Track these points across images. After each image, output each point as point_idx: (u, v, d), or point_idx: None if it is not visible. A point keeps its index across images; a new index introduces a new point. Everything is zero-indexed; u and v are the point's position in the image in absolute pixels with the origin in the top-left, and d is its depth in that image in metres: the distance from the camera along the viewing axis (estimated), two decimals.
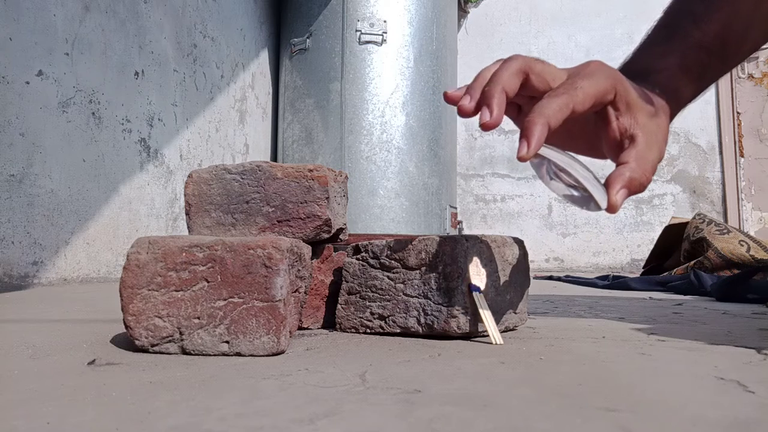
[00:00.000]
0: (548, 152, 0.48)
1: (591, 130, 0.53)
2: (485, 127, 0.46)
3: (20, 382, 0.45)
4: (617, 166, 0.49)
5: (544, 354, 0.57)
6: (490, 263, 0.68)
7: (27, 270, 1.53)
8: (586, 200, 0.49)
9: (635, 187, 0.48)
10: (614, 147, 0.51)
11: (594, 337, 0.69)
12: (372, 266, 0.71)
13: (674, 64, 0.56)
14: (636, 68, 0.56)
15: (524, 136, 0.45)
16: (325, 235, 0.71)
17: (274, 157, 3.12)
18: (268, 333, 0.56)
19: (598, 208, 0.48)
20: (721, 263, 1.71)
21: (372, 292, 0.70)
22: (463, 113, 0.49)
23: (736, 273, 1.52)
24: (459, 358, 0.55)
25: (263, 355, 0.56)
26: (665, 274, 1.87)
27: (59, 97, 1.65)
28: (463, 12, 3.64)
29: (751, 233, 3.30)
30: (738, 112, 3.59)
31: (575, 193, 0.49)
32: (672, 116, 0.55)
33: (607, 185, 0.48)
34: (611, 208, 0.47)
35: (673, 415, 0.36)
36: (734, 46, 0.58)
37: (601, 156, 0.55)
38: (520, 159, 0.45)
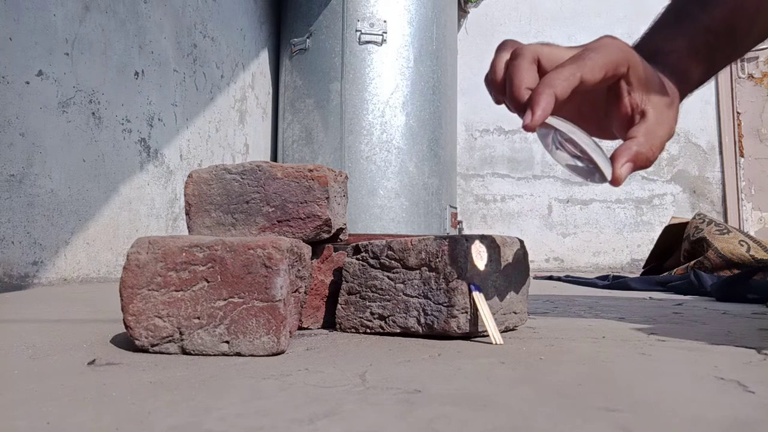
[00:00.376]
0: (555, 121, 0.48)
1: (601, 110, 0.53)
2: (527, 128, 0.46)
3: (20, 382, 0.45)
4: (627, 139, 0.49)
5: (544, 354, 0.57)
6: (490, 263, 0.68)
7: (27, 270, 1.53)
8: (590, 171, 0.49)
9: (641, 162, 0.48)
10: (625, 123, 0.51)
11: (594, 337, 0.69)
12: (372, 266, 0.71)
13: (682, 46, 0.56)
14: (645, 51, 0.55)
15: (530, 105, 0.45)
16: (325, 235, 0.71)
17: (274, 157, 3.12)
18: (268, 333, 0.56)
19: (603, 179, 0.47)
20: (721, 263, 1.71)
21: (372, 292, 0.70)
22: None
23: (736, 273, 1.52)
24: (459, 358, 0.55)
25: (263, 355, 0.56)
26: (665, 274, 1.87)
27: (59, 97, 1.65)
28: (463, 12, 3.64)
29: (751, 233, 3.30)
30: (738, 112, 3.59)
31: (579, 164, 0.49)
32: (682, 97, 0.55)
33: (613, 158, 0.47)
34: (615, 181, 0.47)
35: (673, 415, 0.36)
36: (743, 30, 0.58)
37: (610, 137, 0.55)
38: (525, 128, 0.45)
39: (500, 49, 0.51)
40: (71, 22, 1.70)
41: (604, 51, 0.48)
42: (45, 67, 1.60)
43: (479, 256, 0.66)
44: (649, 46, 0.56)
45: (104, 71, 1.83)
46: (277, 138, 3.06)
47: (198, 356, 0.56)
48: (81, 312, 0.96)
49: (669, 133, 0.51)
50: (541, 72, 0.48)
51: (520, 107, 0.47)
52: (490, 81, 0.51)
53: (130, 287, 0.57)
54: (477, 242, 0.66)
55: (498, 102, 0.52)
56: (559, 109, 0.46)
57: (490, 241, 0.69)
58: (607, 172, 0.47)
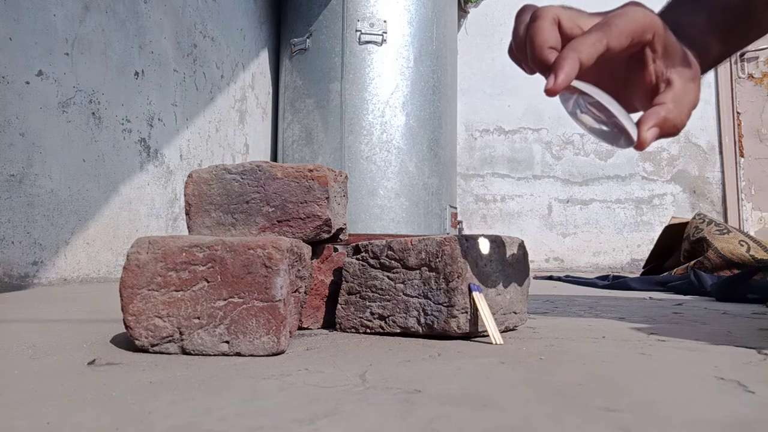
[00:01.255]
0: (581, 85, 0.46)
1: (620, 80, 0.52)
2: (550, 92, 0.44)
3: (20, 382, 0.45)
4: (654, 106, 0.48)
5: (544, 354, 0.57)
6: (490, 262, 0.68)
7: (27, 270, 1.53)
8: (615, 136, 0.48)
9: (668, 128, 0.47)
10: (648, 93, 0.50)
11: (594, 337, 0.69)
12: (372, 266, 0.71)
13: (702, 20, 0.56)
14: (665, 23, 0.55)
15: (553, 69, 0.44)
16: (325, 235, 0.71)
17: (274, 157, 3.12)
18: (268, 333, 0.56)
19: (629, 143, 0.47)
20: (721, 263, 1.71)
21: (372, 292, 0.70)
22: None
23: (736, 273, 1.52)
24: (459, 358, 0.55)
25: (263, 355, 0.56)
26: (665, 274, 1.87)
27: (59, 97, 1.65)
28: (463, 12, 3.63)
29: (751, 233, 3.30)
30: (738, 112, 3.59)
31: (605, 128, 0.48)
32: (702, 71, 0.54)
33: (639, 122, 0.47)
34: (640, 144, 0.46)
35: (673, 415, 0.36)
36: (759, 9, 0.58)
37: (630, 109, 0.54)
38: (548, 92, 0.44)
39: (520, 13, 0.51)
40: (71, 22, 1.70)
41: (631, 17, 0.47)
42: (45, 67, 1.60)
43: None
44: (669, 19, 0.55)
45: (104, 71, 1.83)
46: (277, 138, 3.06)
47: (198, 356, 0.56)
48: (81, 312, 0.96)
49: (695, 101, 0.50)
50: (562, 34, 0.48)
51: (544, 68, 0.46)
52: (513, 46, 0.50)
53: (130, 287, 0.57)
54: (482, 239, 0.67)
55: (531, 72, 0.51)
56: (579, 78, 0.46)
57: (490, 240, 0.69)
58: (633, 136, 0.46)
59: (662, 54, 0.48)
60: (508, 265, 0.71)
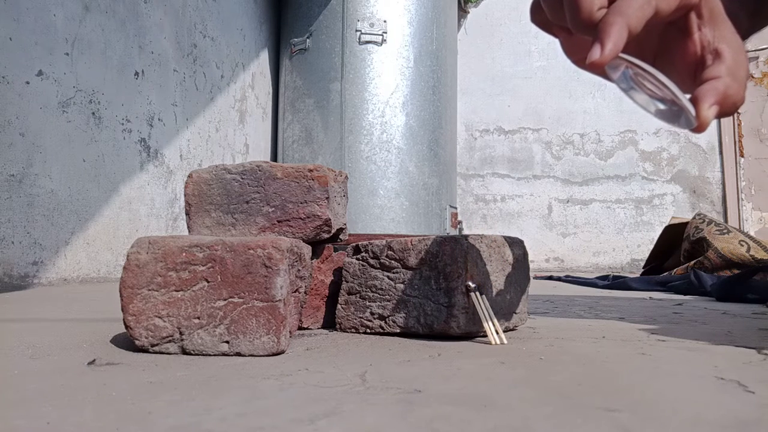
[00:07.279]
0: (630, 57, 0.41)
1: (650, 53, 0.46)
2: (595, 66, 0.39)
3: (20, 382, 0.45)
4: (706, 81, 0.41)
5: (544, 354, 0.57)
6: (490, 263, 0.68)
7: (27, 270, 1.53)
8: (675, 114, 0.41)
9: (728, 106, 0.41)
10: (690, 67, 0.44)
11: (594, 337, 0.69)
12: (372, 266, 0.71)
13: None
14: None
15: (598, 38, 0.38)
16: (325, 235, 0.71)
17: (274, 157, 3.12)
18: (268, 333, 0.56)
19: (689, 124, 0.41)
20: (721, 263, 1.71)
21: (372, 292, 0.70)
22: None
23: (736, 273, 1.52)
24: (459, 358, 0.55)
25: (263, 355, 0.56)
26: (665, 274, 1.87)
27: (59, 97, 1.65)
28: (463, 12, 3.63)
29: (751, 233, 3.30)
30: (738, 112, 3.59)
31: (662, 106, 0.42)
32: None
33: (695, 100, 0.40)
34: (701, 125, 0.40)
35: (673, 415, 0.36)
36: None
37: None
38: (592, 65, 0.38)
39: None
40: (71, 22, 1.70)
41: None
42: (45, 67, 1.60)
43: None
44: None
45: (104, 71, 1.83)
46: (277, 138, 3.06)
47: (198, 356, 0.56)
48: (81, 312, 0.96)
49: (748, 74, 0.44)
50: None
51: (592, 31, 0.40)
52: (543, 6, 0.43)
53: (130, 287, 0.57)
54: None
55: (564, 36, 0.45)
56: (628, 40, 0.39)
57: (490, 241, 0.69)
58: (692, 116, 0.40)
59: (709, 20, 0.42)
60: (508, 265, 0.71)
